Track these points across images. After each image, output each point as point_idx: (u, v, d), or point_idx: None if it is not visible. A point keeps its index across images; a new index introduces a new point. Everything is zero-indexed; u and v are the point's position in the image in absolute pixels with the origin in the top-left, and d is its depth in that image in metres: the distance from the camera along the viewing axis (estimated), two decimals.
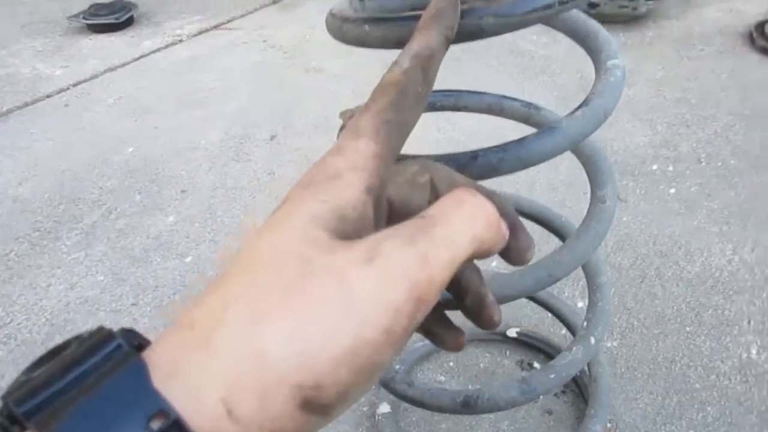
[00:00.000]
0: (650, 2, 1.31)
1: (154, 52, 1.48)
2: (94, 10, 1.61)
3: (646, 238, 0.82)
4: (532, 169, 0.41)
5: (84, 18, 1.58)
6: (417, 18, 0.31)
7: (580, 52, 0.44)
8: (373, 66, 1.12)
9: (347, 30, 0.34)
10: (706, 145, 0.97)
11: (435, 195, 0.24)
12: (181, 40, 1.54)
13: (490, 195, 0.21)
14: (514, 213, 0.23)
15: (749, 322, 0.69)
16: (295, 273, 0.17)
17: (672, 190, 0.89)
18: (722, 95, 1.07)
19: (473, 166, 0.35)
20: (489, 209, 0.20)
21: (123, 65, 1.43)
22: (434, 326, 0.24)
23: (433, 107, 0.52)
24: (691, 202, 0.87)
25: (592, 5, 1.29)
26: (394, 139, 0.22)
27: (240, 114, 1.18)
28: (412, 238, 0.18)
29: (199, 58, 1.43)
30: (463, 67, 1.20)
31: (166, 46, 1.51)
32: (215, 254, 0.86)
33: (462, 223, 0.19)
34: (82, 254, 0.88)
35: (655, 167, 0.94)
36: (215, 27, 1.60)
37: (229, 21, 1.62)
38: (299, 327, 0.16)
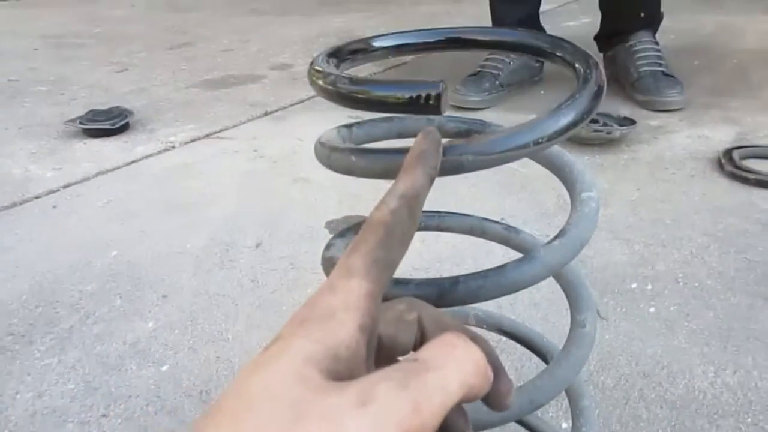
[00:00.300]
0: (623, 128, 1.39)
1: (146, 157, 1.52)
2: (91, 116, 1.67)
3: (628, 357, 0.82)
4: None
5: (81, 123, 1.63)
6: (401, 151, 0.33)
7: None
8: (358, 178, 1.15)
9: (335, 159, 0.36)
10: (682, 265, 0.99)
11: (421, 333, 0.24)
12: (173, 147, 1.58)
13: (475, 339, 0.22)
14: (496, 357, 0.24)
15: None
16: (289, 415, 0.17)
17: (652, 309, 0.90)
18: (695, 217, 1.11)
19: (454, 292, 0.36)
20: (477, 355, 0.21)
21: (114, 169, 1.46)
22: None
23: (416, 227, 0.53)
24: (671, 321, 0.87)
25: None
26: (383, 277, 0.23)
27: (227, 221, 1.19)
28: (405, 384, 0.19)
29: (190, 165, 1.47)
30: (447, 182, 1.24)
31: (159, 152, 1.55)
32: (193, 363, 0.84)
33: (453, 369, 0.20)
34: (54, 360, 0.86)
35: (634, 285, 0.95)
36: (207, 135, 1.66)
37: (221, 130, 1.68)
38: None
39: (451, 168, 0.32)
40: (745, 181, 1.20)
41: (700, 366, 0.79)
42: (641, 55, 1.69)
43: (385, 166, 0.34)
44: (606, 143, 1.39)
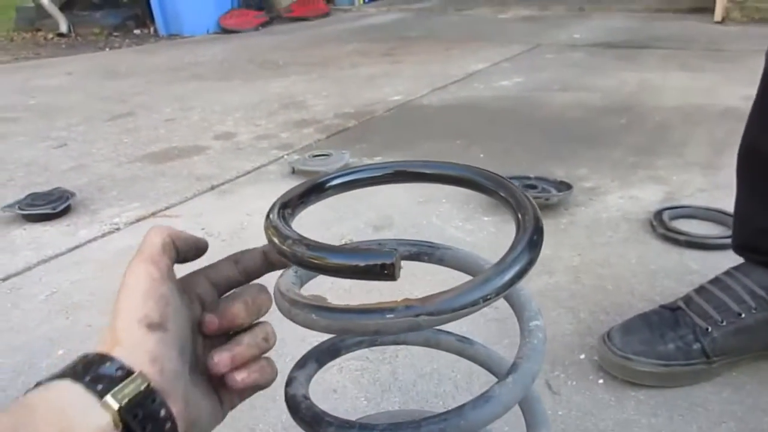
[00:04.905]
0: (561, 193, 1.46)
1: (89, 241, 1.49)
2: (30, 200, 1.62)
3: None
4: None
5: (20, 208, 1.59)
6: (357, 311, 0.35)
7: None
8: None
9: (295, 315, 0.37)
10: None
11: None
12: (118, 229, 1.56)
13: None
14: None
15: None
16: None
17: (600, 381, 0.94)
18: (634, 281, 1.17)
19: None
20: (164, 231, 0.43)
21: (57, 256, 1.42)
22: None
23: (373, 343, 0.55)
24: (619, 392, 0.91)
25: None
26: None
27: None
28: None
29: (136, 248, 1.44)
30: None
31: (103, 235, 1.52)
32: None
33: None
34: None
35: (582, 356, 0.99)
36: (153, 214, 1.64)
37: (167, 208, 1.67)
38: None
39: (408, 328, 0.34)
40: (676, 242, 1.27)
41: None
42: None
43: (345, 324, 0.36)
44: (545, 208, 1.45)
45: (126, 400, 0.31)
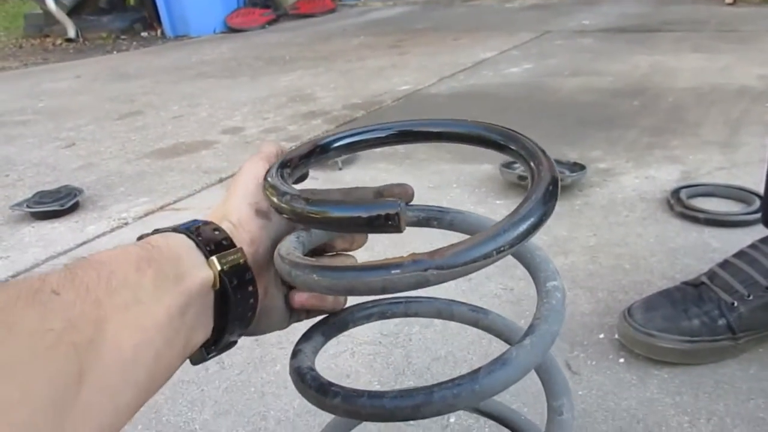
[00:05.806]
0: (574, 174, 1.42)
1: (98, 237, 1.48)
2: (38, 198, 1.62)
3: (604, 413, 0.81)
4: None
5: (28, 206, 1.58)
6: (363, 268, 0.32)
7: None
8: None
9: (296, 276, 0.35)
10: None
11: None
12: (126, 223, 1.55)
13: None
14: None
15: None
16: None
17: (621, 360, 0.91)
18: (653, 260, 1.13)
19: (431, 404, 0.35)
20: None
21: (65, 252, 1.41)
22: None
23: (383, 316, 0.52)
24: (641, 371, 0.88)
25: (520, 177, 1.39)
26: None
27: None
28: None
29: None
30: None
31: (111, 230, 1.51)
32: None
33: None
34: None
35: (602, 336, 0.96)
36: (161, 208, 1.63)
37: (175, 201, 1.66)
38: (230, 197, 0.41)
39: (416, 283, 0.32)
40: (695, 220, 1.23)
41: (675, 417, 0.80)
42: None
43: (349, 283, 0.33)
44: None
45: (227, 265, 0.36)
